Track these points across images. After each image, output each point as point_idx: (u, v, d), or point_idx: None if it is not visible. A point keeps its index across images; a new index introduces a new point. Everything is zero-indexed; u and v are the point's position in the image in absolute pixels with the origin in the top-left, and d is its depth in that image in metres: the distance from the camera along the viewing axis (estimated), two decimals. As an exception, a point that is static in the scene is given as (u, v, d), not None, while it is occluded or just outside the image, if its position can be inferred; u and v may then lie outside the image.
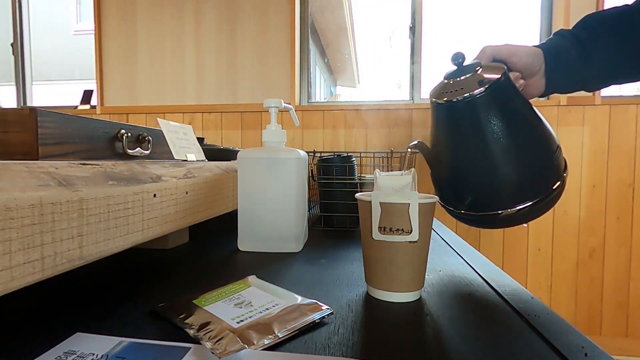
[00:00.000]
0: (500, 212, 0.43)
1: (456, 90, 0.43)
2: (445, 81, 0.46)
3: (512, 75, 0.46)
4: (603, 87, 0.52)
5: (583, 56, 0.46)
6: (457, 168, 0.46)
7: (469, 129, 0.43)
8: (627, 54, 0.46)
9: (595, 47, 0.46)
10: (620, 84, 0.51)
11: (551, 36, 0.50)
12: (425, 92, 1.78)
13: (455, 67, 0.45)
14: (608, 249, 1.60)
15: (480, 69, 0.44)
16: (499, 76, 0.42)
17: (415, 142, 0.47)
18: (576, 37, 0.47)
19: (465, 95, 0.42)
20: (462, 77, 0.44)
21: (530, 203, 0.43)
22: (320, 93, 4.15)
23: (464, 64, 0.45)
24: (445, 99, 0.43)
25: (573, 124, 1.61)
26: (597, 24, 0.47)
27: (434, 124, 0.47)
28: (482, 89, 0.41)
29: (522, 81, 0.47)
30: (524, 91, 0.48)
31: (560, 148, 0.45)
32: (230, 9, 1.81)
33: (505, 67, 0.44)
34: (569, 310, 1.62)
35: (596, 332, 1.61)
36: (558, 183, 0.44)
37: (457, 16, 2.14)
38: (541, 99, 1.70)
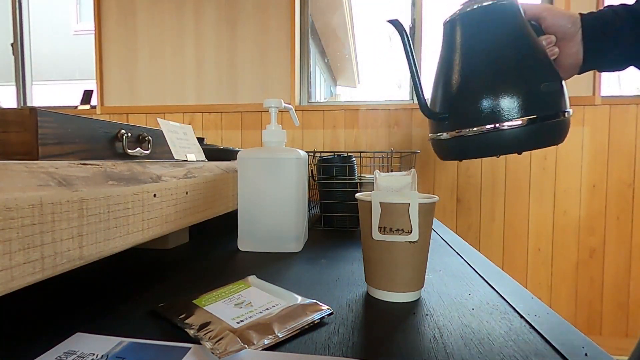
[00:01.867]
0: (475, 128, 0.42)
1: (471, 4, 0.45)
2: (460, 6, 0.46)
3: (545, 38, 0.45)
4: None
5: (633, 23, 0.43)
6: (456, 80, 0.45)
7: (479, 38, 0.44)
8: None
9: None
10: None
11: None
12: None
13: None
14: (608, 249, 1.60)
15: None
16: None
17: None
18: (625, 7, 0.44)
19: (474, 7, 0.44)
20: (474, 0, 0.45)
21: (506, 124, 0.41)
22: (320, 93, 4.15)
23: None
24: (473, 6, 0.44)
25: (573, 124, 1.61)
26: None
27: (446, 43, 0.47)
28: (488, 2, 0.43)
29: (556, 49, 0.45)
30: (559, 60, 0.45)
31: (560, 83, 0.44)
32: (230, 9, 1.81)
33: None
34: (569, 310, 1.62)
35: (596, 332, 1.61)
36: (544, 114, 0.42)
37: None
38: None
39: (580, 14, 0.45)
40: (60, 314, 0.35)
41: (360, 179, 0.75)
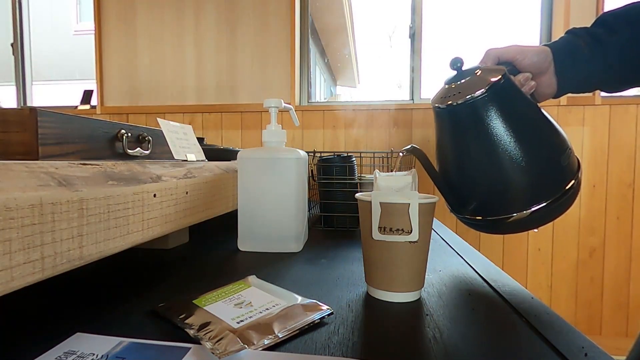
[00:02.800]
0: (510, 215, 0.43)
1: (457, 93, 0.43)
2: (446, 86, 0.46)
3: (522, 76, 0.46)
4: (627, 87, 0.50)
5: (599, 52, 0.45)
6: (463, 172, 0.45)
7: (472, 132, 0.43)
8: None
9: (611, 41, 0.45)
10: None
11: (563, 35, 0.49)
12: (425, 92, 1.78)
13: (454, 72, 0.45)
14: (608, 249, 1.60)
15: (480, 72, 0.44)
16: (499, 77, 0.42)
17: (409, 146, 0.47)
18: (590, 34, 0.46)
19: (467, 97, 0.42)
20: (462, 81, 0.44)
21: (542, 205, 0.42)
22: (320, 93, 4.15)
23: (463, 68, 0.45)
24: (448, 102, 0.43)
25: (573, 124, 1.61)
26: (614, 19, 0.46)
27: (438, 130, 0.47)
28: (483, 89, 0.41)
29: (532, 82, 0.46)
30: (537, 92, 0.48)
31: (571, 149, 0.45)
32: (230, 9, 1.81)
33: (505, 69, 0.44)
34: (569, 310, 1.62)
35: (596, 332, 1.61)
36: (571, 183, 0.43)
37: (457, 16, 2.14)
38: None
39: (549, 46, 0.47)
40: (60, 314, 0.35)
41: (360, 179, 0.75)
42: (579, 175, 0.45)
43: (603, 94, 1.60)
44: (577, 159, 0.46)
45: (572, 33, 0.48)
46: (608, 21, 0.46)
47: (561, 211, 0.44)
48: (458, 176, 0.46)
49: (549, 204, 0.42)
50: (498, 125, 0.42)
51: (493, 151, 0.42)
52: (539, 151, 0.42)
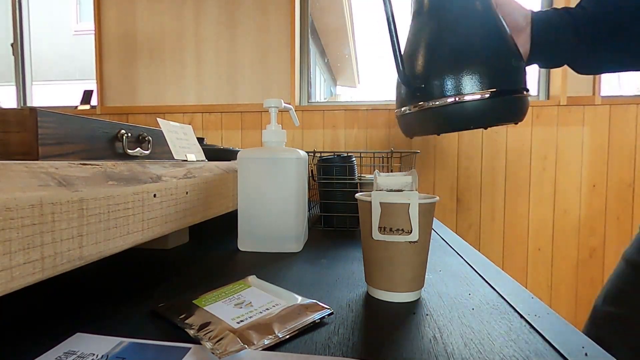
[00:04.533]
0: (452, 96, 0.42)
1: None
2: None
3: None
4: (598, 68, 0.53)
5: (569, 20, 0.48)
6: (426, 49, 0.46)
7: (443, 11, 0.45)
8: (614, 26, 0.47)
9: (580, 12, 0.48)
10: (613, 69, 0.52)
11: None
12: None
13: None
14: (608, 249, 1.60)
15: None
16: None
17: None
18: (567, 9, 0.50)
19: None
20: None
21: (485, 96, 0.42)
22: (320, 93, 4.15)
23: None
24: None
25: (573, 124, 1.61)
26: (588, 0, 0.49)
27: (414, 13, 0.49)
28: None
29: None
30: None
31: (522, 60, 0.46)
32: (230, 9, 1.81)
33: None
34: (569, 310, 1.62)
35: (596, 332, 1.60)
36: (517, 89, 0.44)
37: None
38: (540, 98, 1.70)
39: (532, 10, 0.50)
40: (60, 314, 0.35)
41: (360, 179, 0.75)
42: (527, 93, 0.45)
43: (603, 93, 1.60)
44: (527, 83, 0.47)
45: (555, 10, 0.51)
46: (582, 2, 0.50)
47: (502, 116, 0.44)
48: (416, 55, 0.47)
49: (494, 96, 0.42)
50: (475, 10, 0.44)
51: (458, 33, 0.44)
52: (492, 41, 0.44)
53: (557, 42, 0.50)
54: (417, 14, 0.48)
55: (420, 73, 0.45)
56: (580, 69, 0.53)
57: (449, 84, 0.43)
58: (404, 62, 0.45)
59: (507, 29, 0.46)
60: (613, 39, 0.48)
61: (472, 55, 0.43)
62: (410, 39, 0.48)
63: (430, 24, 0.46)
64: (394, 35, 0.43)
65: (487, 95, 0.42)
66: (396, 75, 0.46)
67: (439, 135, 0.49)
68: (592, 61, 0.51)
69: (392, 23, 0.44)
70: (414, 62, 0.46)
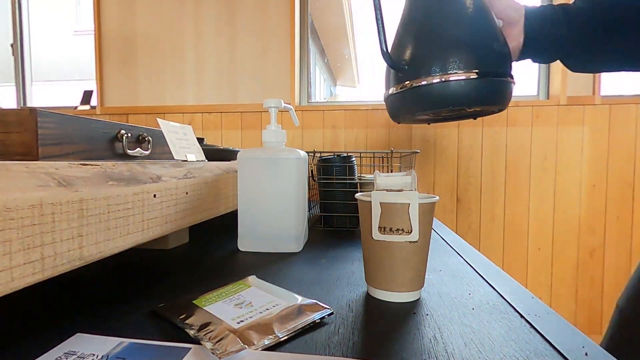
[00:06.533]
0: (437, 75, 0.43)
1: None
2: None
3: None
4: (593, 66, 0.53)
5: (563, 15, 0.49)
6: (412, 29, 0.47)
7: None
8: (609, 24, 0.47)
9: (575, 7, 0.49)
10: (608, 68, 0.52)
11: None
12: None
13: None
14: (608, 249, 1.60)
15: None
16: None
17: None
18: (562, 4, 0.50)
19: None
20: None
21: (462, 76, 0.42)
22: (320, 93, 4.15)
23: None
24: None
25: (573, 123, 1.61)
26: None
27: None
28: None
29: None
30: None
31: (506, 46, 0.46)
32: (230, 9, 1.81)
33: None
34: (569, 310, 1.62)
35: (596, 332, 1.61)
36: (497, 73, 0.44)
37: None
38: (540, 98, 1.70)
39: (525, 6, 0.51)
40: (60, 314, 0.35)
41: (360, 179, 0.75)
42: (511, 80, 0.45)
43: (603, 93, 1.60)
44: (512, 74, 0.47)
45: (551, 6, 0.51)
46: None
47: (485, 98, 0.44)
48: (405, 36, 0.47)
49: (479, 77, 0.42)
50: None
51: (446, 15, 0.45)
52: (478, 25, 0.44)
53: (550, 37, 0.50)
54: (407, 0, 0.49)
55: (405, 54, 0.46)
56: (573, 67, 0.53)
57: (434, 64, 0.43)
58: (387, 44, 0.46)
59: (494, 17, 0.47)
60: (608, 36, 0.48)
61: (458, 37, 0.44)
62: (399, 23, 0.49)
63: (418, 8, 0.47)
64: (379, 17, 0.44)
65: (473, 77, 0.42)
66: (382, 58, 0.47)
67: (429, 124, 0.49)
68: (586, 58, 0.51)
69: (377, 4, 0.44)
70: (400, 44, 0.47)
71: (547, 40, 0.50)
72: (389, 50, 0.46)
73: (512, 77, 0.46)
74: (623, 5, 0.47)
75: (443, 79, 0.42)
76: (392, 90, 0.47)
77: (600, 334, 1.60)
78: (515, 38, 0.50)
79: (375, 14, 0.44)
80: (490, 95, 0.44)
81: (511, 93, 0.46)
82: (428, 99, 0.44)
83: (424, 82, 0.43)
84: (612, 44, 0.48)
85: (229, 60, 1.83)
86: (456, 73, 0.42)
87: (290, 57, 1.78)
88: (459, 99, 0.43)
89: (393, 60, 0.46)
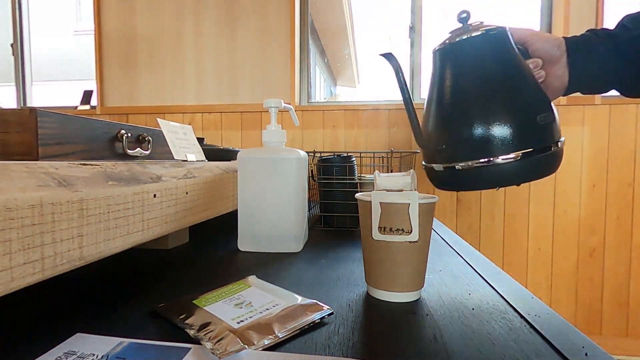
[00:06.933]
0: (487, 159, 0.42)
1: (458, 35, 0.45)
2: (449, 34, 0.46)
3: (532, 62, 0.45)
4: None
5: (612, 45, 0.44)
6: (455, 111, 0.45)
7: (461, 68, 0.44)
8: None
9: (625, 37, 0.44)
10: None
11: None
12: (425, 92, 1.78)
13: (460, 25, 0.46)
14: (608, 249, 1.60)
15: (482, 22, 0.45)
16: (497, 27, 0.44)
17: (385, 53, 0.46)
18: (607, 32, 0.45)
19: (464, 37, 0.44)
20: (463, 29, 0.45)
21: (510, 156, 0.41)
22: (320, 93, 4.15)
23: (469, 22, 0.45)
24: (448, 41, 0.45)
25: (573, 124, 1.61)
26: (632, 20, 0.45)
27: (433, 74, 0.48)
28: (479, 32, 0.43)
29: (542, 72, 0.45)
30: (546, 82, 0.46)
31: (554, 115, 0.44)
32: (230, 9, 1.81)
33: (507, 27, 0.44)
34: (569, 310, 1.62)
35: (596, 332, 1.61)
36: (546, 145, 0.43)
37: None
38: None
39: (565, 38, 0.46)
40: (60, 314, 0.35)
41: (360, 179, 0.75)
42: (560, 146, 0.44)
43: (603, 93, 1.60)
44: (559, 130, 0.45)
45: (590, 31, 0.47)
46: (625, 22, 0.45)
47: (534, 174, 0.43)
48: (441, 113, 0.45)
49: (520, 158, 0.41)
50: (497, 63, 0.43)
51: (483, 90, 0.43)
52: (516, 101, 0.42)
53: (599, 69, 0.45)
54: (437, 71, 0.47)
55: (442, 135, 0.44)
56: (629, 93, 0.48)
57: (479, 145, 0.42)
58: (419, 124, 0.46)
59: (534, 79, 0.44)
60: None
61: (500, 116, 0.41)
62: (431, 94, 0.47)
63: (451, 79, 0.45)
64: (409, 101, 0.45)
65: (520, 156, 0.41)
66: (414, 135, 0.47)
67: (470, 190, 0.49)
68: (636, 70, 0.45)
69: (404, 87, 0.45)
70: (439, 120, 0.45)
71: (597, 73, 0.46)
72: (420, 124, 0.46)
73: (560, 142, 0.44)
74: None
75: (491, 161, 0.41)
76: (434, 165, 0.46)
77: (600, 334, 1.60)
78: (559, 77, 0.46)
79: (403, 95, 0.45)
80: (543, 169, 0.43)
81: (562, 155, 0.44)
82: (475, 180, 0.44)
83: (469, 165, 0.42)
84: None
85: (229, 60, 1.83)
86: (504, 155, 0.41)
87: (290, 57, 1.78)
88: (509, 179, 0.42)
89: (428, 143, 0.45)
